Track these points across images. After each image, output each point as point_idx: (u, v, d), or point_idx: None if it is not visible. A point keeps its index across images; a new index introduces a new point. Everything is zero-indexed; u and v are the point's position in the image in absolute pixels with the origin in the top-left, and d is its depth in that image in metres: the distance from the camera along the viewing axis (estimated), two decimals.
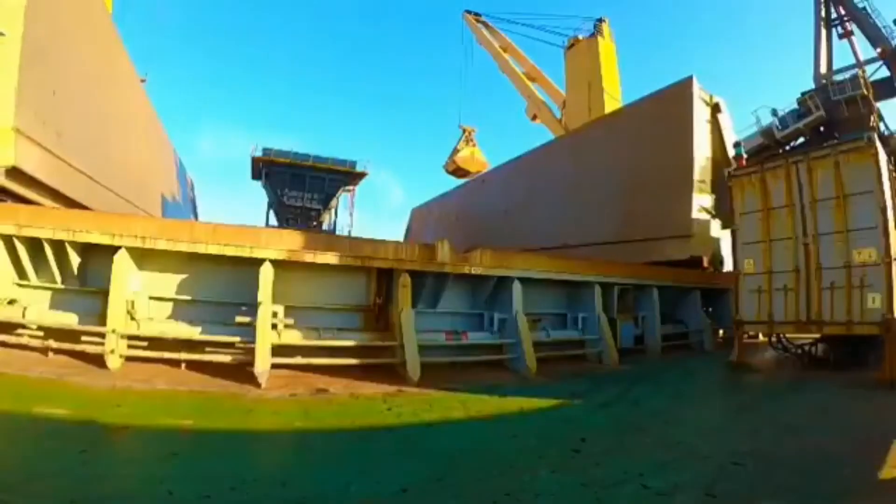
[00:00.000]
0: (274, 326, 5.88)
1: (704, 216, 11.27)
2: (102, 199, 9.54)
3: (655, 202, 11.94)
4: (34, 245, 5.67)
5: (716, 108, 12.51)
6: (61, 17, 7.44)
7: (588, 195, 14.45)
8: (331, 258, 6.26)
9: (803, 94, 19.42)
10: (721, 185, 10.79)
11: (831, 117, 18.27)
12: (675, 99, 12.02)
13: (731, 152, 12.47)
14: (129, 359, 5.54)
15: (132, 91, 13.37)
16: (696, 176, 11.22)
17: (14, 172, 6.19)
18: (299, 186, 31.59)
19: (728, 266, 12.07)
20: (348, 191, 34.29)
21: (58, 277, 5.83)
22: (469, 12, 26.54)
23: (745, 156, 10.94)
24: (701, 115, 11.81)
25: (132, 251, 5.69)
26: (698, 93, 11.77)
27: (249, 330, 5.71)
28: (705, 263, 11.47)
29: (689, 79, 11.76)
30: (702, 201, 11.29)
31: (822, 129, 18.72)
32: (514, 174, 19.54)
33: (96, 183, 9.28)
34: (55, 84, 7.26)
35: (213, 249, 5.78)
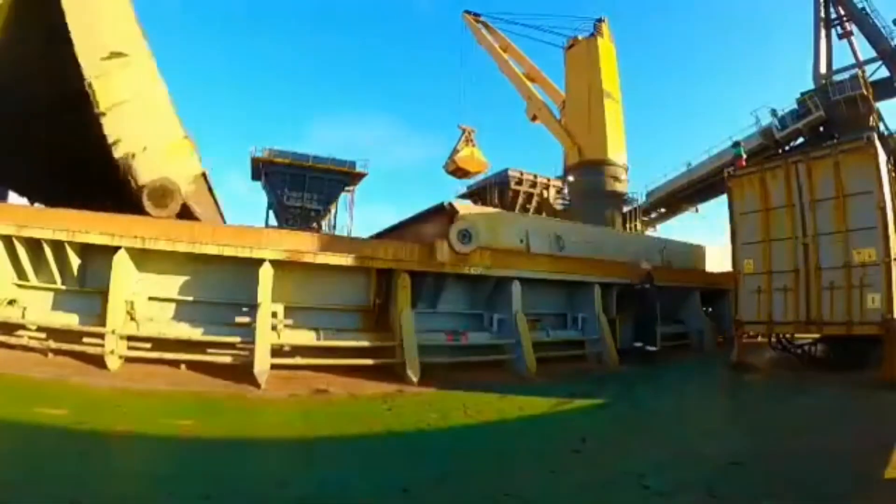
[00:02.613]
0: (274, 327, 5.87)
1: None
2: None
3: None
4: (34, 245, 5.65)
5: None
6: None
7: None
8: (330, 258, 6.26)
9: (803, 94, 19.46)
10: None
11: (831, 117, 18.29)
12: None
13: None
14: (128, 359, 5.53)
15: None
16: None
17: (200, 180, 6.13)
18: (299, 187, 31.58)
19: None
20: (348, 191, 34.33)
21: (57, 278, 5.82)
22: (468, 12, 26.54)
23: (744, 156, 10.93)
24: None
25: (132, 252, 5.67)
26: None
27: (249, 330, 5.71)
28: None
29: None
30: None
31: (821, 129, 18.74)
32: None
33: None
34: None
35: (212, 250, 5.77)
